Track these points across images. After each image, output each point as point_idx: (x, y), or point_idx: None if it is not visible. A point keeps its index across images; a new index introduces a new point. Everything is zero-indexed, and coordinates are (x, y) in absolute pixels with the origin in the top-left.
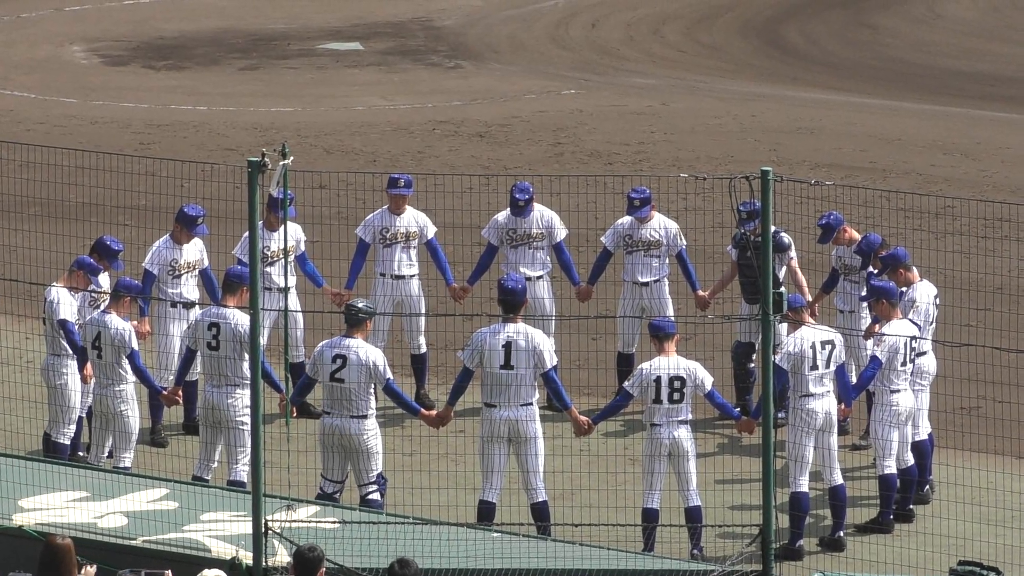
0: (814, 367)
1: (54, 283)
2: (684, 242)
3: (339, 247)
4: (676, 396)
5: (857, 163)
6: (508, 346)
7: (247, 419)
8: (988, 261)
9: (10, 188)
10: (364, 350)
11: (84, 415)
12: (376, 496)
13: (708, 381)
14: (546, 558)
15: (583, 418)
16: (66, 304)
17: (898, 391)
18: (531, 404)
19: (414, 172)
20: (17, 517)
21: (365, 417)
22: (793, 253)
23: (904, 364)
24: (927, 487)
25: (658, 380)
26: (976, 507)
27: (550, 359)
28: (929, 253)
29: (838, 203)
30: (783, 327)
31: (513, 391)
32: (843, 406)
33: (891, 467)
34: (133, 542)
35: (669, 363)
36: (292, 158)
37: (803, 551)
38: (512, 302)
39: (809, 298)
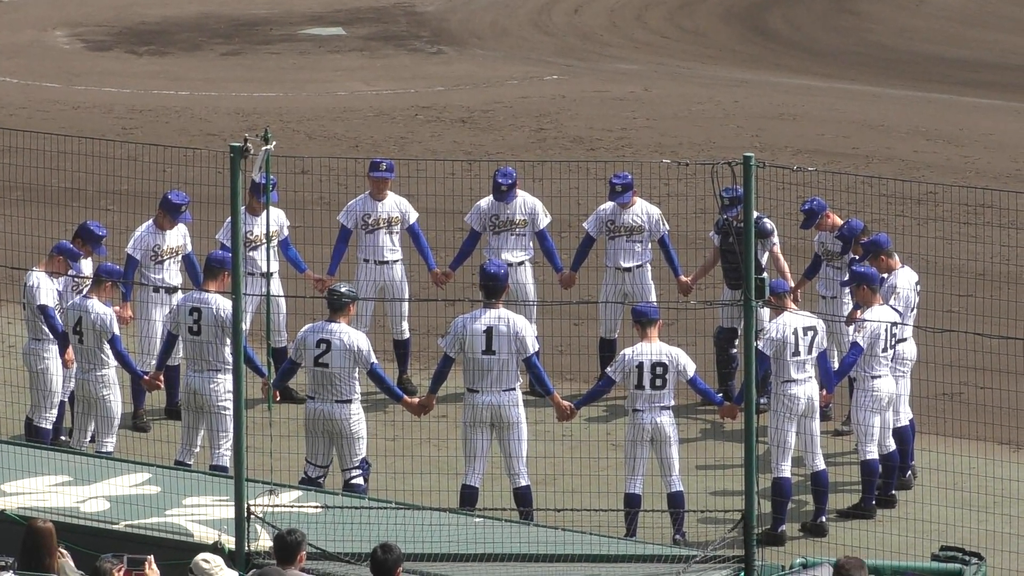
0: (796, 353)
1: (34, 268)
2: (667, 227)
3: (321, 232)
4: (658, 382)
5: (840, 149)
6: (489, 331)
7: (229, 404)
8: (970, 247)
9: None
10: (348, 335)
11: (66, 400)
12: (360, 481)
13: (691, 367)
14: (528, 543)
15: (565, 403)
16: (46, 289)
17: (879, 377)
18: (514, 389)
19: (396, 157)
20: None
21: (350, 402)
22: (776, 239)
23: (885, 350)
24: (909, 473)
25: (640, 366)
26: (958, 493)
27: (532, 344)
28: (911, 239)
29: (820, 189)
30: (765, 313)
31: (495, 376)
32: (825, 392)
33: (873, 453)
34: (115, 526)
35: (651, 349)
36: (274, 143)
37: (785, 536)
38: (494, 287)
39: (791, 284)
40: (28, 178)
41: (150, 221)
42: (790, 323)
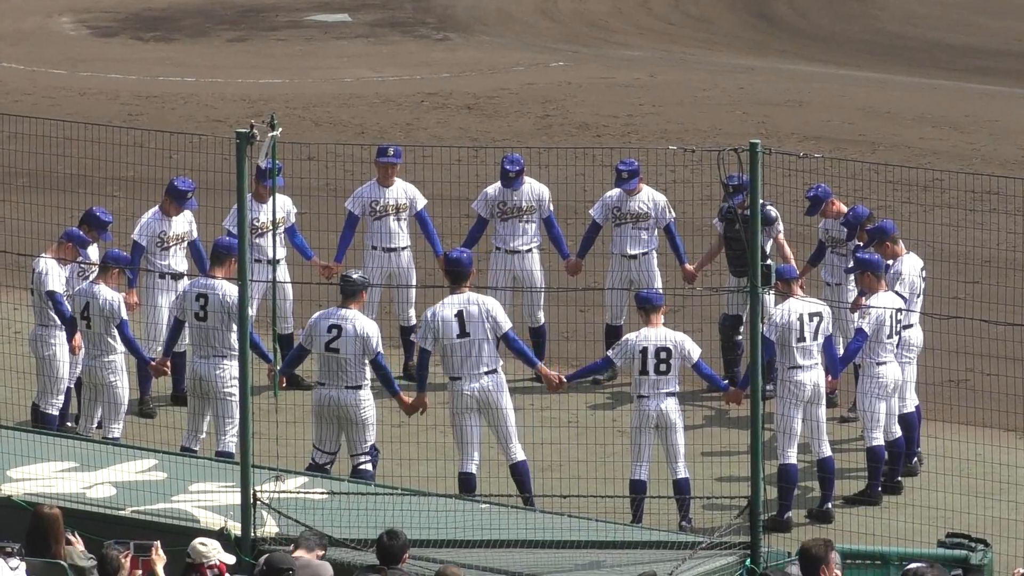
0: (801, 339)
1: (43, 254)
2: (673, 215)
3: (327, 219)
4: (663, 367)
5: (846, 136)
6: (460, 315)
7: (235, 390)
8: (976, 234)
9: None
10: (359, 321)
11: (72, 386)
12: (368, 467)
13: (695, 353)
14: (534, 529)
15: (553, 373)
16: (55, 275)
17: (884, 363)
18: (496, 371)
19: (402, 144)
20: (5, 487)
21: (360, 388)
22: (780, 226)
23: (890, 336)
24: (915, 459)
25: (644, 351)
26: (964, 479)
27: (504, 321)
28: (917, 226)
29: (826, 176)
30: (771, 299)
31: (475, 360)
32: (830, 378)
33: (878, 439)
34: (122, 512)
35: (656, 334)
36: (280, 130)
37: (791, 523)
38: (458, 272)
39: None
40: (34, 164)
41: (156, 208)
42: (795, 309)
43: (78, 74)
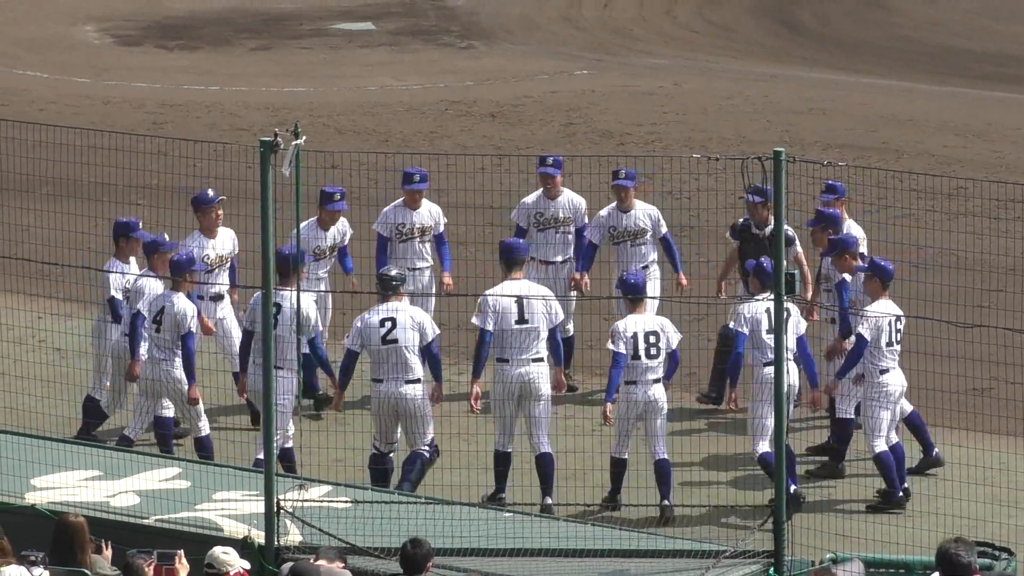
0: (771, 332)
1: (114, 259)
2: (665, 228)
3: (352, 227)
4: (652, 351)
5: (869, 144)
6: (521, 301)
7: (285, 401)
8: (1001, 242)
9: (23, 168)
10: (411, 310)
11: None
12: (426, 452)
13: (676, 339)
14: (557, 538)
15: (563, 380)
16: (115, 287)
17: (887, 370)
18: (542, 360)
19: (426, 152)
20: (30, 496)
21: (419, 381)
22: (799, 247)
23: (890, 344)
24: (935, 451)
25: (634, 336)
26: (988, 488)
27: (558, 318)
28: (942, 234)
29: (851, 184)
30: (744, 306)
31: (527, 345)
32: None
33: (881, 446)
34: (145, 521)
35: (642, 319)
36: (304, 138)
37: (801, 496)
38: (512, 259)
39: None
40: (59, 173)
41: (196, 231)
42: (763, 304)
43: (102, 83)
